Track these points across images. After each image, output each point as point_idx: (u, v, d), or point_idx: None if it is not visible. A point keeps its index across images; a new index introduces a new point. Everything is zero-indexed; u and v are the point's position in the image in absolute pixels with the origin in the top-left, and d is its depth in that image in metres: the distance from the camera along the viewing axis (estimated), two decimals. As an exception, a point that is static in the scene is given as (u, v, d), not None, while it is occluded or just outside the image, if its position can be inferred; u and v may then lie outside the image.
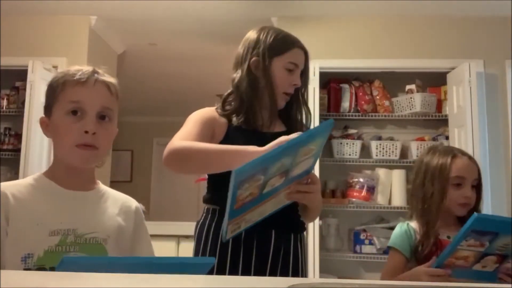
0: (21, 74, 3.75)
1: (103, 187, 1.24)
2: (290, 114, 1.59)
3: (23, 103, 3.78)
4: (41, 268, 1.02)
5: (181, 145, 1.38)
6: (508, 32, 3.71)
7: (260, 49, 1.52)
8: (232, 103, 1.55)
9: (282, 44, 1.53)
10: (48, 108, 1.18)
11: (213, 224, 1.49)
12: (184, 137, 1.42)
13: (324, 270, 3.46)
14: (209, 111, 1.56)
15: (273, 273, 1.45)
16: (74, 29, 4.02)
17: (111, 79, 1.20)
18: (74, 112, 1.13)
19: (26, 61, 3.66)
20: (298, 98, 1.58)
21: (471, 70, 3.56)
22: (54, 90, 1.17)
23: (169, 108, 7.43)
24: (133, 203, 1.29)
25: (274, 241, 1.46)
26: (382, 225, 3.68)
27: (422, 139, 3.84)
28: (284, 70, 1.51)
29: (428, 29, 3.92)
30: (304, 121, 1.61)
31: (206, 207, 1.55)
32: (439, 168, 1.61)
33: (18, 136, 3.93)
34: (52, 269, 1.03)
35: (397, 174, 3.75)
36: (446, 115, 3.81)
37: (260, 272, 1.43)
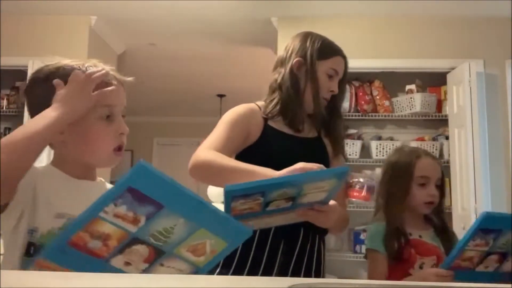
0: (21, 74, 3.76)
1: (104, 181, 1.23)
2: (324, 121, 1.59)
3: (23, 103, 3.78)
4: (41, 247, 1.01)
5: (202, 158, 1.39)
6: (508, 32, 3.71)
7: (306, 51, 1.54)
8: (273, 103, 1.55)
9: (328, 49, 1.56)
10: None
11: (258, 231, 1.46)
12: (212, 144, 1.42)
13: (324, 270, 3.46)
14: (245, 109, 1.54)
15: (296, 271, 1.45)
16: (74, 29, 4.02)
17: (124, 77, 1.18)
18: (107, 116, 1.10)
19: (26, 61, 3.66)
20: (333, 107, 1.59)
21: (471, 70, 3.57)
22: None
23: (169, 108, 7.43)
24: None
25: (301, 240, 1.47)
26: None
27: (422, 139, 3.84)
28: (325, 75, 1.54)
29: (428, 29, 3.92)
30: (336, 130, 1.61)
31: None
32: (403, 167, 1.66)
33: (18, 136, 3.93)
34: None
35: (397, 174, 3.74)
36: (446, 115, 3.81)
37: (284, 268, 1.43)
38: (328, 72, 1.53)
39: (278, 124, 1.53)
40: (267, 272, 1.41)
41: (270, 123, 1.52)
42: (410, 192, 1.64)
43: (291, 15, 3.93)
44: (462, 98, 3.58)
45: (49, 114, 1.00)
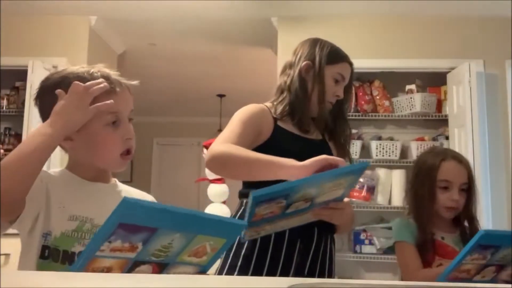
0: (21, 74, 3.76)
1: (118, 182, 1.25)
2: (328, 125, 1.62)
3: (23, 103, 3.78)
4: (55, 249, 1.04)
5: (220, 149, 1.38)
6: (508, 32, 3.71)
7: (315, 55, 1.59)
8: (282, 104, 1.57)
9: (336, 55, 1.61)
10: None
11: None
12: (227, 138, 1.43)
13: (324, 270, 3.46)
14: (256, 109, 1.56)
15: (311, 270, 1.46)
16: (74, 29, 4.02)
17: (129, 81, 1.21)
18: (113, 123, 1.13)
19: (26, 61, 3.66)
20: (339, 111, 1.63)
21: (471, 70, 3.57)
22: None
23: (169, 108, 7.43)
24: (148, 198, 1.27)
25: (316, 239, 1.48)
26: (382, 225, 3.68)
27: (422, 139, 3.84)
28: (332, 80, 1.58)
29: (428, 29, 3.92)
30: (342, 134, 1.63)
31: (244, 201, 1.54)
32: (428, 169, 1.64)
33: (18, 136, 3.93)
34: (65, 252, 1.05)
35: (397, 174, 3.75)
36: (446, 115, 3.81)
37: (300, 268, 1.44)
38: (335, 76, 1.58)
39: (287, 125, 1.56)
40: (284, 273, 1.41)
41: (280, 123, 1.55)
42: (435, 194, 1.62)
43: (291, 15, 3.93)
44: (462, 98, 3.58)
45: (44, 131, 1.03)
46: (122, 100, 1.16)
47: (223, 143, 1.41)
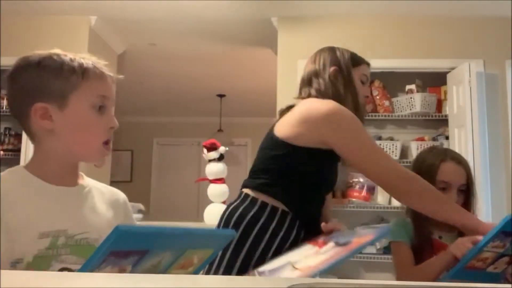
0: (21, 74, 3.75)
1: (87, 180, 1.13)
2: None
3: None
4: None
5: (420, 179, 1.45)
6: (508, 32, 3.71)
7: (340, 60, 1.62)
8: None
9: (357, 58, 1.68)
10: (57, 94, 1.02)
11: (285, 227, 1.46)
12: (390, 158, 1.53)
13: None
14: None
15: None
16: (74, 29, 4.02)
17: (115, 75, 1.14)
18: (100, 108, 1.05)
19: (26, 61, 3.66)
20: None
21: (471, 70, 3.57)
22: (69, 75, 1.03)
23: (169, 108, 7.43)
24: (120, 195, 1.20)
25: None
26: (382, 225, 3.68)
27: (422, 139, 3.84)
28: (359, 81, 1.64)
29: (428, 29, 3.92)
30: None
31: (262, 201, 1.48)
32: (427, 169, 1.64)
33: (18, 136, 3.94)
34: None
35: (397, 174, 3.74)
36: (446, 115, 3.81)
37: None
38: (361, 78, 1.64)
39: None
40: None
41: None
42: None
43: (291, 15, 3.94)
44: (462, 98, 3.58)
45: None
46: (109, 87, 1.08)
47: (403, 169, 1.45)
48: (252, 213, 1.46)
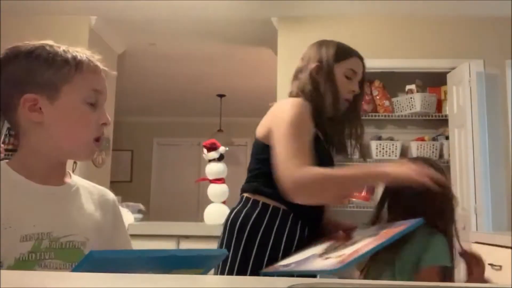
0: (21, 74, 3.75)
1: (74, 179, 1.07)
2: (345, 124, 1.61)
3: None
4: None
5: (308, 176, 1.31)
6: (508, 32, 3.71)
7: (323, 55, 1.59)
8: None
9: (343, 52, 1.61)
10: (48, 86, 0.98)
11: (288, 225, 1.45)
12: (298, 158, 1.34)
13: (324, 270, 3.46)
14: (304, 108, 1.48)
15: None
16: (74, 29, 4.02)
17: (109, 71, 1.09)
18: (92, 103, 1.01)
19: (26, 61, 3.66)
20: (354, 108, 1.62)
21: (471, 70, 3.57)
22: (61, 66, 1.00)
23: (169, 108, 7.43)
24: (109, 195, 1.14)
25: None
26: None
27: (422, 139, 3.84)
28: (344, 77, 1.57)
29: (428, 29, 3.92)
30: (354, 131, 1.62)
31: (263, 202, 1.48)
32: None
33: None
34: None
35: (397, 174, 3.74)
36: (446, 115, 3.81)
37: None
38: (346, 73, 1.57)
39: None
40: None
41: None
42: None
43: (291, 15, 3.94)
44: (462, 98, 3.58)
45: None
46: (103, 82, 1.04)
47: (298, 166, 1.32)
48: (255, 214, 1.46)
